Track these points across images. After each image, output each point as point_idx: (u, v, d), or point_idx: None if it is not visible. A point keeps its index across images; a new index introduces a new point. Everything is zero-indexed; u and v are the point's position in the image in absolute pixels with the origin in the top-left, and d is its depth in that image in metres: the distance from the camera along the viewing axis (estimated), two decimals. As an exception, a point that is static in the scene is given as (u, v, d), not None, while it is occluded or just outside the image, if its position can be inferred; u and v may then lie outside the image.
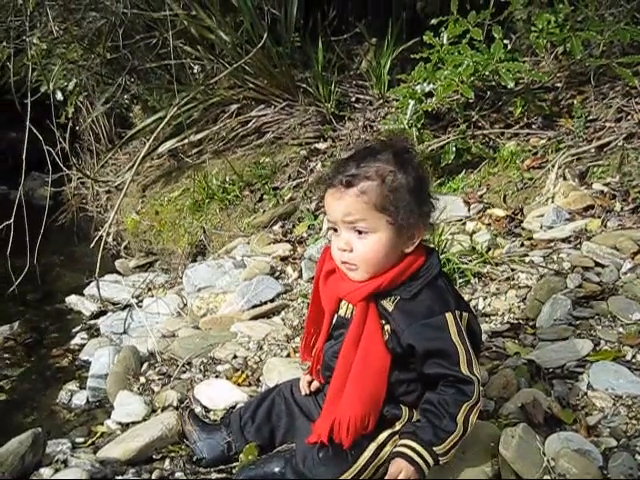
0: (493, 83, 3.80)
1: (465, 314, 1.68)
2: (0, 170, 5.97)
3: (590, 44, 3.66)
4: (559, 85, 3.90)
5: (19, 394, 2.82)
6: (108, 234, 4.67)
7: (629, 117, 3.54)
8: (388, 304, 1.67)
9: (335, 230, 1.69)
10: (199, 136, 4.80)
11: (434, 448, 1.59)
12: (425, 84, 3.65)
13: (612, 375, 2.04)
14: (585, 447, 1.75)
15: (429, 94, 3.68)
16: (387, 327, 1.66)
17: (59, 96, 4.73)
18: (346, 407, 1.65)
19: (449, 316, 1.63)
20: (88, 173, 5.39)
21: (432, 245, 2.00)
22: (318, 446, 1.68)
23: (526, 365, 2.13)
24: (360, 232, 1.64)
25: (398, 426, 1.70)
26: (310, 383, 1.90)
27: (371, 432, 1.67)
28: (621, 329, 2.28)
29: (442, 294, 1.67)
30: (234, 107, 4.76)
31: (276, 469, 1.73)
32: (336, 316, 1.81)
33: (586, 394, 2.01)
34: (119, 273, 4.17)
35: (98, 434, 2.26)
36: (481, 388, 1.63)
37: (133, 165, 4.47)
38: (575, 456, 1.69)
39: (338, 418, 1.65)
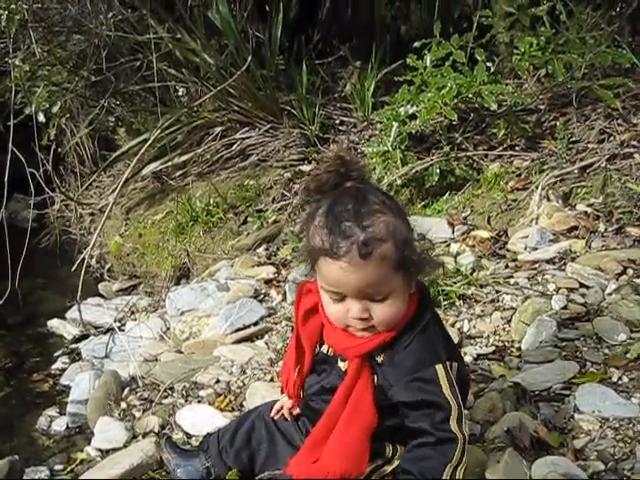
0: (476, 105, 3.81)
1: (455, 364, 1.62)
2: (-18, 192, 5.95)
3: (572, 66, 3.69)
4: (542, 107, 3.93)
5: (-2, 419, 2.77)
6: (91, 257, 4.64)
7: (611, 138, 3.57)
8: (379, 357, 1.61)
9: (340, 298, 1.55)
10: (183, 158, 4.78)
11: None
12: (409, 106, 3.66)
13: (598, 397, 2.03)
14: (572, 472, 1.72)
15: (413, 116, 3.68)
16: (375, 379, 1.61)
17: (41, 118, 4.70)
18: (332, 460, 1.60)
19: (439, 368, 1.56)
20: (72, 195, 5.35)
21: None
22: None
23: (512, 388, 2.11)
24: (378, 300, 1.54)
25: (381, 461, 1.67)
26: (290, 409, 1.87)
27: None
28: (607, 350, 2.27)
29: (433, 343, 1.59)
30: (218, 129, 4.75)
31: (259, 499, 1.69)
32: (318, 348, 1.75)
33: (572, 417, 1.99)
34: (102, 296, 4.13)
35: (77, 461, 2.24)
36: (466, 446, 1.55)
37: (116, 187, 4.43)
38: (562, 481, 1.67)
39: (323, 470, 1.60)
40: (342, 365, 1.66)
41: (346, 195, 1.54)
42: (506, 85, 3.73)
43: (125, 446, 2.20)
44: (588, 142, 3.61)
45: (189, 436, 2.22)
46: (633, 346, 2.23)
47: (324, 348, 1.73)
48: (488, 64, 3.75)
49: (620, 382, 2.10)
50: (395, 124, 3.64)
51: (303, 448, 1.68)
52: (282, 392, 1.91)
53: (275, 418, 1.87)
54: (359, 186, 1.57)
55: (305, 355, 1.76)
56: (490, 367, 2.28)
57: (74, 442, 2.47)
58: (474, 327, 2.54)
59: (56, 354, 3.35)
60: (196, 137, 4.85)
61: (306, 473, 1.62)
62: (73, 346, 3.42)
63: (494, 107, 3.56)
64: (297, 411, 1.86)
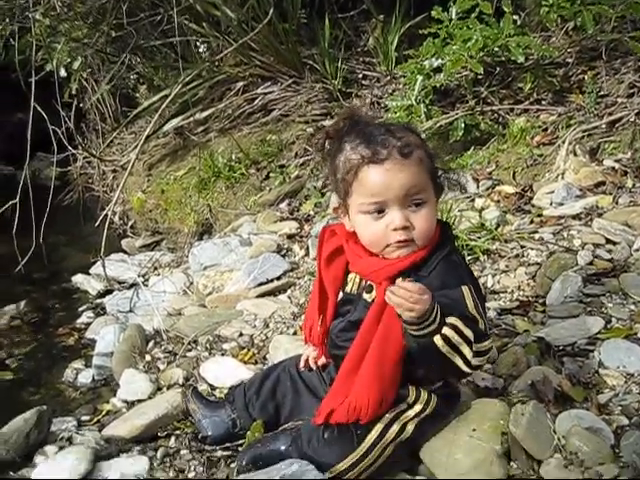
0: (502, 58, 3.72)
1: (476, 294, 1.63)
2: (6, 151, 5.97)
3: (601, 18, 3.60)
4: (570, 60, 3.85)
5: (25, 373, 2.80)
6: (114, 213, 4.66)
7: (641, 92, 3.49)
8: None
9: (380, 211, 1.61)
10: (205, 114, 4.75)
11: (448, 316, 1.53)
12: (433, 60, 3.60)
13: (623, 353, 2.01)
14: (596, 425, 1.72)
15: (437, 70, 3.62)
16: None
17: (63, 73, 4.69)
18: (364, 387, 1.61)
19: (465, 289, 1.59)
20: (94, 152, 5.36)
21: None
22: (324, 426, 1.66)
23: (536, 343, 2.10)
24: (418, 205, 1.60)
25: (404, 406, 1.68)
26: (316, 360, 1.88)
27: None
28: (632, 306, 2.25)
29: (457, 268, 1.64)
30: (240, 84, 4.71)
31: (282, 447, 1.70)
32: (341, 294, 1.78)
33: (597, 372, 1.97)
34: (125, 252, 4.15)
35: (103, 412, 2.25)
36: (489, 356, 1.62)
37: (138, 144, 4.42)
38: (586, 434, 1.67)
39: (355, 398, 1.62)
40: (368, 297, 1.68)
41: (372, 125, 1.66)
42: (533, 38, 3.65)
43: (150, 398, 2.22)
44: (617, 96, 3.54)
45: (213, 388, 2.23)
46: (659, 302, 2.21)
47: (347, 288, 1.75)
48: (515, 16, 3.67)
49: (646, 338, 2.08)
50: (419, 77, 3.58)
51: (336, 381, 1.69)
52: (305, 342, 1.93)
53: (301, 368, 1.89)
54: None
55: (329, 301, 1.78)
56: (514, 322, 2.27)
57: (100, 394, 2.49)
58: (498, 282, 2.52)
59: (81, 309, 3.37)
60: (218, 92, 4.81)
61: (338, 405, 1.63)
62: (97, 301, 3.44)
63: (521, 60, 3.49)
64: (322, 361, 1.87)
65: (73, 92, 4.92)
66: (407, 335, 1.55)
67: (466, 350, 1.54)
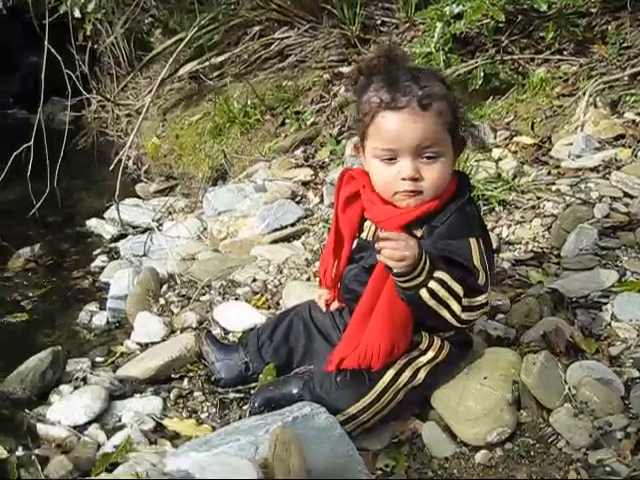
0: (525, 6, 3.64)
1: (483, 245, 1.63)
2: (21, 94, 5.95)
3: (628, -33, 3.50)
4: (593, 10, 3.74)
5: (40, 314, 2.83)
6: (128, 158, 4.65)
7: (666, 45, 3.41)
8: (418, 232, 1.63)
9: (391, 158, 1.61)
10: (220, 59, 4.70)
11: (437, 270, 1.53)
12: (454, 6, 3.50)
13: (637, 306, 2.01)
14: (607, 376, 1.73)
15: (458, 16, 3.53)
16: None
17: (77, 14, 4.62)
18: (375, 334, 1.62)
19: (472, 241, 1.59)
20: (108, 96, 5.32)
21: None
22: (336, 371, 1.67)
23: (549, 294, 2.10)
24: (430, 157, 1.59)
25: (416, 352, 1.69)
26: (328, 304, 1.89)
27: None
28: (648, 260, 2.23)
29: (469, 221, 1.63)
30: (256, 29, 4.64)
31: (294, 391, 1.72)
32: (357, 240, 1.78)
33: (609, 324, 1.98)
34: (139, 197, 4.15)
35: (117, 354, 2.28)
36: (486, 309, 1.61)
37: (153, 88, 4.39)
38: (597, 385, 1.68)
39: (366, 345, 1.63)
40: None
41: (401, 69, 1.62)
42: (558, -15, 3.56)
43: (163, 340, 2.24)
44: (641, 48, 3.46)
45: (226, 332, 2.25)
46: (675, 256, 2.20)
47: (363, 235, 1.75)
48: (539, -38, 3.56)
49: (660, 292, 2.08)
50: (439, 24, 3.50)
51: (347, 329, 1.71)
52: (320, 285, 1.94)
53: (318, 306, 1.90)
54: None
55: (344, 244, 1.79)
56: (528, 273, 2.26)
57: (114, 336, 2.52)
58: (513, 233, 2.51)
59: (95, 252, 3.39)
60: (233, 37, 4.75)
61: (351, 351, 1.64)
62: (112, 245, 3.46)
63: (544, 8, 3.41)
64: (335, 306, 1.88)
65: (87, 34, 4.86)
66: (397, 288, 1.56)
67: (454, 305, 1.55)
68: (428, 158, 1.59)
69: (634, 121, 3.06)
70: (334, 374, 1.67)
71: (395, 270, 1.51)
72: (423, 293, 1.53)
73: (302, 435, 1.36)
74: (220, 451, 1.31)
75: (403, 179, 1.59)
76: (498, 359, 1.77)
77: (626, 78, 3.30)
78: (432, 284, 1.52)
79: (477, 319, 1.64)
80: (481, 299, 1.58)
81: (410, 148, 1.57)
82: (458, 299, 1.54)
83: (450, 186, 1.64)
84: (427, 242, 1.60)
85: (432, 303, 1.54)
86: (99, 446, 1.75)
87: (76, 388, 1.99)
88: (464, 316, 1.56)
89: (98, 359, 2.26)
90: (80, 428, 1.82)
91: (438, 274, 1.53)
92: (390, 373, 1.66)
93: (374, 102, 1.60)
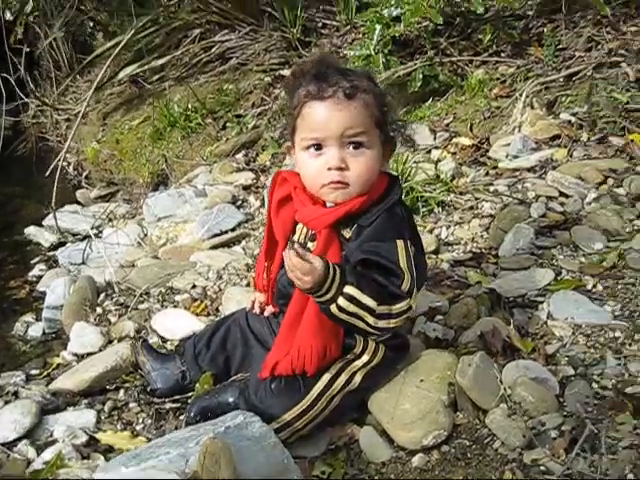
0: (463, 9, 3.70)
1: (412, 248, 1.63)
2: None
3: (563, -30, 3.57)
4: (530, 13, 3.82)
5: (-25, 326, 2.75)
6: (68, 164, 4.57)
7: (599, 47, 3.48)
8: (347, 232, 1.64)
9: (318, 148, 1.61)
10: (160, 62, 4.65)
11: (347, 286, 1.52)
12: (393, 8, 3.53)
13: (572, 304, 2.03)
14: (542, 375, 1.74)
15: (397, 19, 3.56)
16: (343, 255, 1.62)
17: (8, 16, 4.52)
18: (306, 337, 1.61)
19: (400, 243, 1.59)
20: (47, 101, 5.22)
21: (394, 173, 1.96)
22: (271, 378, 1.65)
23: (487, 294, 2.11)
24: (357, 148, 1.59)
25: (351, 356, 1.68)
26: (262, 310, 1.88)
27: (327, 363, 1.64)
28: (583, 259, 2.27)
29: (397, 222, 1.63)
30: (197, 32, 4.61)
31: (230, 399, 1.69)
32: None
33: (546, 323, 2.00)
34: (80, 204, 4.07)
35: (54, 366, 2.22)
36: (405, 316, 1.59)
37: (90, 91, 4.31)
38: (532, 384, 1.68)
39: (298, 348, 1.62)
40: (312, 245, 1.67)
41: (331, 68, 1.64)
42: (494, -11, 3.61)
43: (100, 350, 2.19)
44: (575, 50, 3.53)
45: (164, 340, 2.21)
46: (609, 255, 2.24)
47: (295, 237, 1.74)
48: (476, -35, 3.60)
49: (594, 290, 2.11)
50: (378, 27, 3.52)
51: (279, 334, 1.70)
52: (255, 289, 1.93)
53: (251, 311, 1.89)
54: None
55: (277, 248, 1.78)
56: (466, 273, 2.28)
57: (50, 347, 2.46)
58: (452, 234, 2.53)
59: (33, 261, 3.31)
60: (174, 40, 4.72)
61: (283, 356, 1.64)
62: (50, 253, 3.37)
63: (481, 11, 3.47)
64: (270, 310, 1.87)
65: (19, 36, 4.75)
66: None
67: (367, 317, 1.54)
68: (354, 148, 1.59)
69: (569, 121, 3.12)
70: (268, 381, 1.65)
71: (300, 287, 1.52)
72: (333, 308, 1.53)
73: (234, 445, 1.34)
74: (149, 465, 1.28)
75: (329, 169, 1.60)
76: (435, 361, 1.77)
77: (561, 79, 3.37)
78: (340, 301, 1.52)
79: (399, 325, 1.60)
80: (402, 305, 1.56)
81: (336, 136, 1.58)
82: (370, 311, 1.54)
83: (379, 186, 1.65)
84: (354, 245, 1.60)
85: (343, 317, 1.54)
86: (29, 463, 1.70)
87: (7, 403, 1.93)
88: (381, 324, 1.56)
89: (33, 372, 2.20)
90: (10, 445, 1.76)
91: (347, 290, 1.52)
92: (325, 378, 1.65)
93: (302, 94, 1.62)
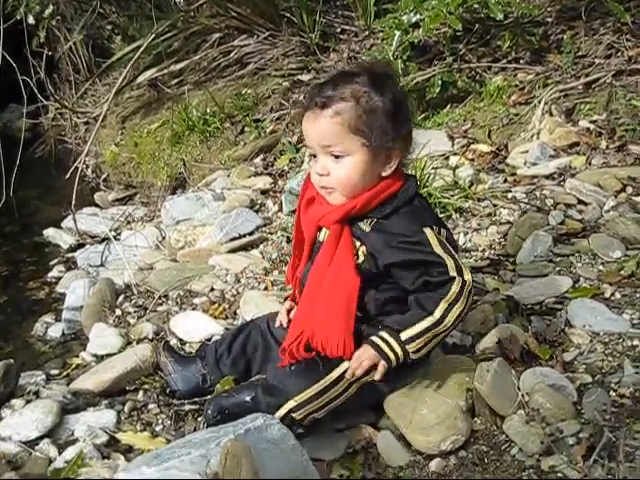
0: (482, 15, 3.69)
1: (443, 230, 1.68)
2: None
3: (583, -23, 3.57)
4: (549, 19, 3.81)
5: (-6, 326, 2.78)
6: (87, 166, 4.61)
7: (619, 54, 3.47)
8: (365, 225, 1.68)
9: (314, 156, 1.69)
10: (179, 66, 4.67)
11: (402, 334, 1.60)
12: (412, 14, 3.54)
13: (590, 312, 2.03)
14: (560, 383, 1.74)
15: (416, 25, 3.57)
16: (363, 249, 1.67)
17: (30, 20, 4.56)
18: (316, 324, 1.66)
19: (428, 231, 1.63)
20: (66, 104, 5.26)
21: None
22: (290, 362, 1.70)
23: (505, 301, 2.11)
24: (336, 156, 1.63)
25: None
26: (289, 312, 1.89)
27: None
28: (601, 267, 2.26)
29: (419, 212, 1.68)
30: (216, 36, 4.62)
31: (247, 398, 1.70)
32: (317, 244, 1.79)
33: (563, 331, 2.00)
34: (98, 206, 4.10)
35: (73, 366, 2.25)
36: (469, 290, 1.62)
37: (110, 95, 4.35)
38: (549, 391, 1.69)
39: (309, 332, 1.67)
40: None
41: (346, 72, 1.78)
42: (513, -5, 3.60)
43: (119, 352, 2.21)
44: (595, 57, 3.51)
45: (183, 343, 2.24)
46: (627, 263, 2.23)
47: (320, 236, 1.77)
48: (495, -28, 3.60)
49: (612, 298, 2.11)
50: (397, 33, 3.53)
51: (292, 322, 1.76)
52: (287, 283, 1.99)
53: (276, 326, 1.91)
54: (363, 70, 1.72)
55: (305, 242, 1.81)
56: (484, 280, 2.28)
57: (70, 348, 2.48)
58: (470, 240, 2.53)
59: (52, 263, 3.35)
60: (193, 44, 4.73)
61: (296, 335, 1.69)
62: (69, 255, 3.41)
63: (500, 17, 3.45)
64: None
65: (42, 40, 4.80)
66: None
67: (439, 328, 1.61)
68: (335, 157, 1.64)
69: (588, 129, 3.11)
70: (289, 364, 1.69)
71: (380, 375, 1.62)
72: (413, 357, 1.62)
73: (254, 447, 1.35)
74: (170, 465, 1.29)
75: (316, 174, 1.67)
76: (453, 367, 1.78)
77: (580, 87, 3.36)
78: (410, 347, 1.60)
79: (469, 304, 1.65)
80: (454, 289, 1.61)
81: (317, 145, 1.65)
82: (435, 324, 1.61)
83: (393, 185, 1.67)
84: (378, 239, 1.65)
85: (425, 350, 1.63)
86: (50, 461, 1.72)
87: (28, 402, 1.95)
88: (451, 319, 1.61)
89: (53, 372, 2.23)
90: (31, 443, 1.79)
91: (404, 335, 1.61)
92: (345, 364, 1.67)
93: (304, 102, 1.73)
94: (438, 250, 1.62)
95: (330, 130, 1.61)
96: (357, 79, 1.64)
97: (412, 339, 1.60)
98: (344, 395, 1.68)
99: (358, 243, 1.68)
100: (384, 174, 1.67)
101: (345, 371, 1.66)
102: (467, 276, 1.63)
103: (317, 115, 1.63)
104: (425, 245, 1.62)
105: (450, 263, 1.61)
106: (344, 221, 1.68)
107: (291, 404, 1.64)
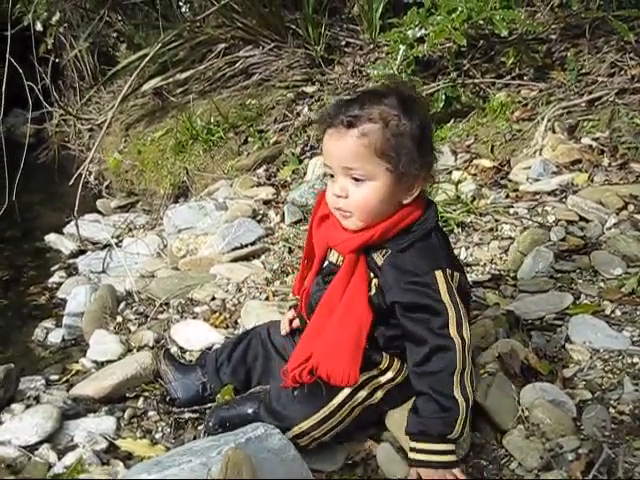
0: (486, 31, 3.72)
1: (457, 274, 1.62)
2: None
3: (587, -4, 3.59)
4: (553, 37, 3.83)
5: (-5, 331, 2.78)
6: (90, 173, 4.62)
7: (622, 72, 3.49)
8: (378, 258, 1.62)
9: (332, 175, 1.62)
10: (184, 75, 4.70)
11: (448, 436, 1.55)
12: (417, 29, 3.56)
13: (590, 329, 2.04)
14: (560, 398, 1.75)
15: (421, 40, 3.59)
16: (375, 281, 1.63)
17: (38, 27, 4.59)
18: (322, 356, 1.62)
19: (439, 274, 1.57)
20: (71, 110, 5.28)
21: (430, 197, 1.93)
22: (293, 386, 1.67)
23: (505, 316, 2.12)
24: (357, 179, 1.57)
25: (376, 372, 1.69)
26: (291, 321, 1.89)
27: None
28: (602, 284, 2.27)
29: (434, 250, 1.61)
30: (221, 47, 4.66)
31: (249, 410, 1.71)
32: (327, 262, 1.77)
33: (563, 347, 2.00)
34: (100, 213, 4.12)
35: (73, 372, 2.24)
36: (468, 349, 1.57)
37: (115, 102, 4.37)
38: (549, 407, 1.69)
39: (316, 360, 1.63)
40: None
41: (373, 92, 1.68)
42: (518, 12, 3.62)
43: (120, 359, 2.21)
44: (598, 75, 3.54)
45: (183, 351, 2.24)
46: (629, 280, 2.24)
47: (332, 257, 1.74)
48: (501, -11, 3.63)
49: (613, 315, 2.11)
50: (402, 47, 3.55)
51: (297, 345, 1.72)
52: (293, 294, 1.97)
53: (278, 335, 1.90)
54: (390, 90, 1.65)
55: (315, 258, 1.79)
56: (485, 295, 2.28)
57: (70, 354, 2.48)
58: (471, 255, 2.54)
59: (53, 268, 3.36)
60: (198, 54, 4.76)
61: (301, 362, 1.65)
62: (70, 261, 3.42)
63: (504, 34, 3.46)
64: (296, 323, 1.88)
65: (49, 47, 4.83)
66: None
67: (458, 401, 1.56)
68: (355, 180, 1.58)
69: (591, 146, 3.13)
70: (291, 388, 1.67)
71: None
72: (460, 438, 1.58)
73: (255, 457, 1.35)
74: (171, 473, 1.30)
75: (334, 195, 1.61)
76: (453, 381, 1.78)
77: (583, 104, 3.37)
78: (440, 447, 1.56)
79: (468, 358, 1.59)
80: (456, 348, 1.55)
81: (337, 166, 1.59)
82: (454, 405, 1.56)
83: (413, 213, 1.62)
84: (390, 275, 1.60)
85: (458, 432, 1.56)
86: (50, 467, 1.72)
87: (28, 407, 1.95)
88: (457, 388, 1.56)
89: (52, 377, 2.22)
90: (31, 448, 1.78)
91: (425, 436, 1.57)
92: (347, 390, 1.65)
93: (325, 117, 1.63)
94: (445, 298, 1.56)
95: (355, 151, 1.54)
96: (385, 100, 1.57)
97: (460, 433, 1.56)
98: (346, 420, 1.66)
99: (372, 274, 1.63)
100: (405, 202, 1.61)
101: (348, 395, 1.65)
102: (465, 333, 1.57)
103: (342, 134, 1.56)
104: (434, 290, 1.56)
105: (452, 314, 1.56)
106: (360, 251, 1.63)
107: (296, 430, 1.62)
